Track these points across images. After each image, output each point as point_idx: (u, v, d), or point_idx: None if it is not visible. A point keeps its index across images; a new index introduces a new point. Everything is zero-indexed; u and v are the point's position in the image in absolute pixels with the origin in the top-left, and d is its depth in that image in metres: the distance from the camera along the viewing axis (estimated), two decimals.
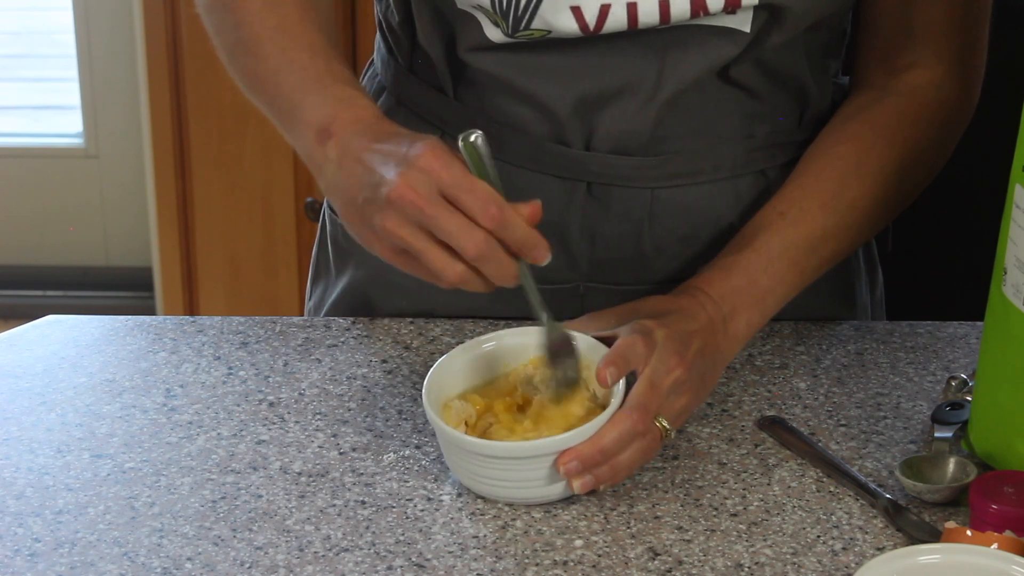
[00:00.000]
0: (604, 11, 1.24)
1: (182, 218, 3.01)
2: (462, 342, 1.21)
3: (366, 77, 1.49)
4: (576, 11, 1.24)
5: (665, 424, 1.16)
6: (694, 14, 1.24)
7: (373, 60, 1.47)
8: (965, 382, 1.27)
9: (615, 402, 1.15)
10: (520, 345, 1.22)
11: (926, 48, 1.33)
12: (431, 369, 1.19)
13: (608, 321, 1.22)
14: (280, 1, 1.29)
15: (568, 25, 1.25)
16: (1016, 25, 1.57)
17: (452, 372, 1.20)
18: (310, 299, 1.52)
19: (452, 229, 1.12)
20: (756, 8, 1.25)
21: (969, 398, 1.24)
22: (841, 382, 1.32)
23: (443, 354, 1.21)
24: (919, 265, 1.68)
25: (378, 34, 1.44)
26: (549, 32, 1.26)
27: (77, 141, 3.48)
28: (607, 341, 1.19)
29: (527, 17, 1.25)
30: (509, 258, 1.13)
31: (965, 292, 1.39)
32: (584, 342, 1.20)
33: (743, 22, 1.26)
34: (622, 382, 1.15)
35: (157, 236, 3.03)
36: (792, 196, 1.30)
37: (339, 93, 1.24)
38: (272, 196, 2.96)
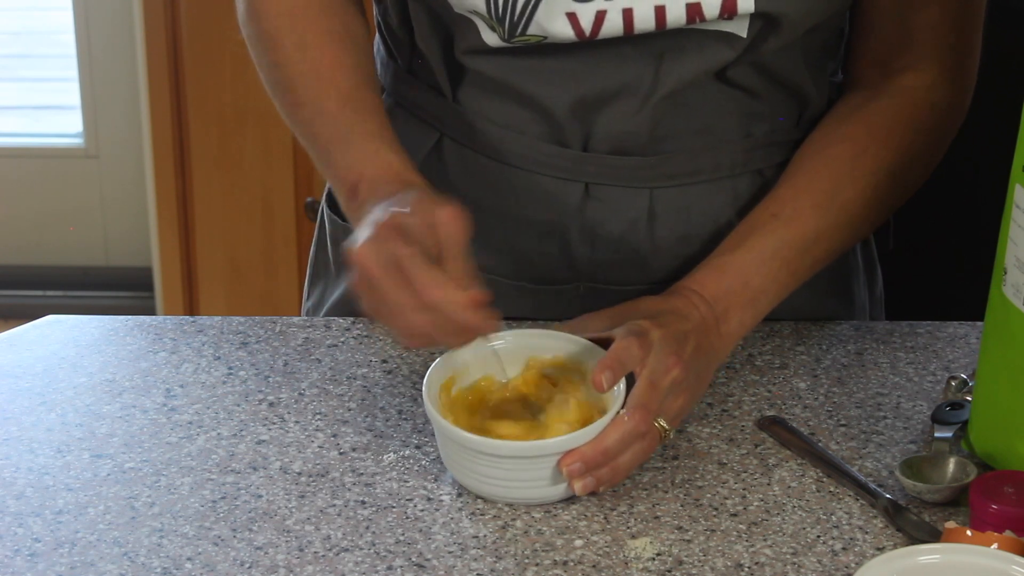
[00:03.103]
0: (600, 17, 1.24)
1: (182, 218, 3.01)
2: None
3: None
4: (572, 17, 1.24)
5: (664, 425, 1.17)
6: (690, 20, 1.24)
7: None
8: (965, 382, 1.26)
9: (616, 403, 1.15)
10: (523, 346, 1.22)
11: (922, 51, 1.33)
12: (431, 366, 1.19)
13: (603, 322, 1.22)
14: (313, 43, 1.31)
15: (564, 31, 1.25)
16: (1014, 25, 1.57)
17: (453, 369, 1.20)
18: (308, 299, 1.52)
19: (394, 304, 1.14)
20: (752, 15, 1.25)
21: (969, 398, 1.23)
22: (841, 382, 1.31)
23: (443, 354, 1.21)
24: (919, 265, 1.67)
25: (377, 35, 1.44)
26: (545, 38, 1.26)
27: (77, 141, 3.48)
28: (603, 343, 1.19)
29: (523, 23, 1.25)
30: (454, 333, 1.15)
31: (965, 292, 1.39)
32: (579, 345, 1.20)
33: (740, 27, 1.26)
34: (622, 383, 1.15)
35: (157, 236, 3.03)
36: (785, 197, 1.30)
37: (365, 148, 1.26)
38: (272, 196, 2.96)
